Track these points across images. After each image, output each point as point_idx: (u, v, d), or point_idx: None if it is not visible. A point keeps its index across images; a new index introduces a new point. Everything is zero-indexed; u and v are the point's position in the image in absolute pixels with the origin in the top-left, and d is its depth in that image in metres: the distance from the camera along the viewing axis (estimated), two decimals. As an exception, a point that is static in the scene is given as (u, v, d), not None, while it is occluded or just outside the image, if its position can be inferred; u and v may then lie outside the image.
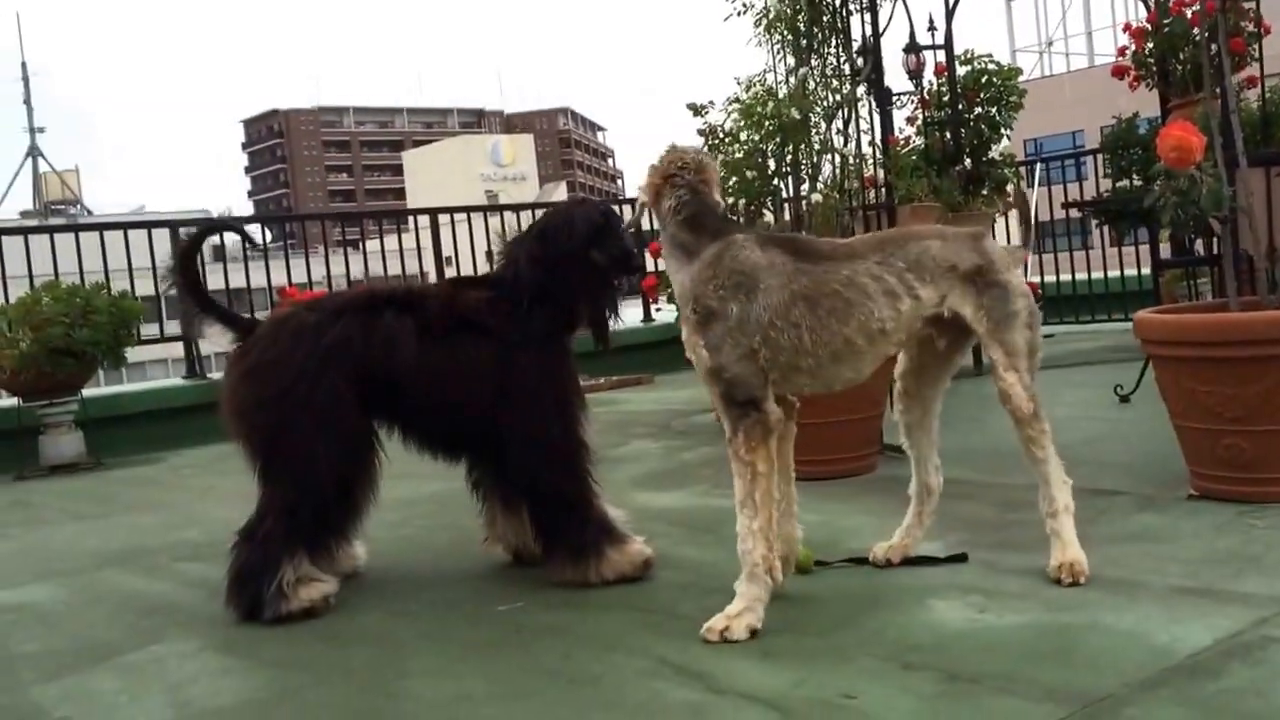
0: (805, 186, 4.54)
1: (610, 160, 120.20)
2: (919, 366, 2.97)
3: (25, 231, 8.00)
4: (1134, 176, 6.70)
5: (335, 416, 2.98)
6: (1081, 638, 2.31)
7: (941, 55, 6.68)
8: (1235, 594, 2.49)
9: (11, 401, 6.51)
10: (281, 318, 3.20)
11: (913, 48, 7.05)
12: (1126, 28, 5.90)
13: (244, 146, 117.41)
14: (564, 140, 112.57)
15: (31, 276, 6.91)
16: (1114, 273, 9.08)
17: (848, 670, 2.27)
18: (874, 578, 2.89)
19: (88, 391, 6.63)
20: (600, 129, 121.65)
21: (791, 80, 4.48)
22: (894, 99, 6.56)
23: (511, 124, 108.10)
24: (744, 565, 2.57)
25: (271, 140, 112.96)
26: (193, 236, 3.55)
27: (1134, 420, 4.82)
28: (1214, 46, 4.12)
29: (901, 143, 6.79)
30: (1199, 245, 5.90)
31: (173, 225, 8.20)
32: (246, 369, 3.08)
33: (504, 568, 3.37)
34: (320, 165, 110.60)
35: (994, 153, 6.98)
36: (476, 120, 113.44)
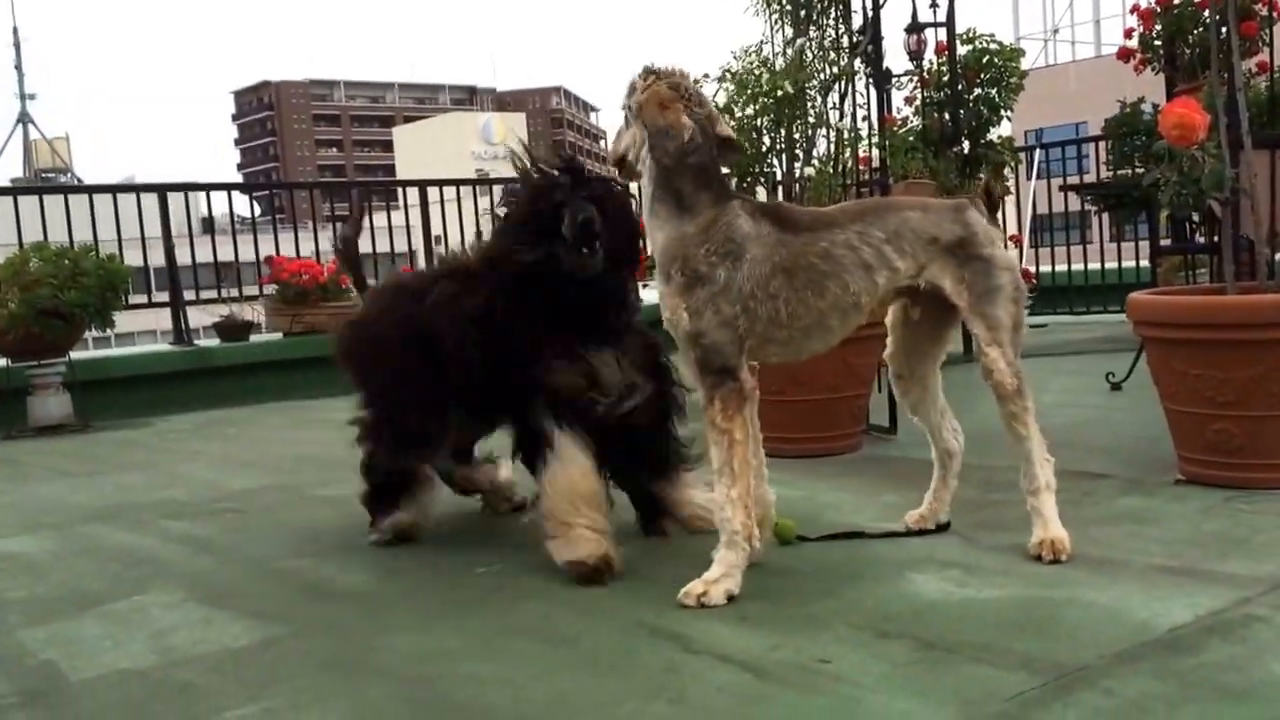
0: (800, 162, 4.48)
1: (603, 141, 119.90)
2: (908, 347, 2.94)
3: (15, 192, 7.97)
4: (1136, 163, 6.65)
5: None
6: (1060, 611, 2.29)
7: (943, 34, 6.63)
8: (1219, 574, 2.47)
9: (0, 362, 6.49)
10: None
11: (915, 27, 7.00)
12: (1135, 9, 5.84)
13: (234, 118, 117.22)
14: (556, 120, 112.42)
15: (21, 241, 6.89)
16: (1111, 264, 9.03)
17: (823, 637, 2.24)
18: (854, 551, 2.86)
19: (76, 355, 6.61)
20: (594, 109, 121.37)
21: (789, 51, 4.42)
22: (893, 79, 6.51)
23: (504, 102, 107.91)
24: (722, 533, 2.55)
25: (262, 113, 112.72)
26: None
27: (1124, 407, 4.80)
28: (1224, 29, 4.07)
29: (899, 123, 6.75)
30: (1198, 233, 5.87)
31: (161, 190, 8.19)
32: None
33: (486, 532, 3.34)
34: (310, 139, 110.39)
35: (993, 135, 6.95)
36: (468, 97, 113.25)
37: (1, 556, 3.43)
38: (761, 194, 4.89)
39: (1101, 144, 9.52)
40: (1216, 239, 4.62)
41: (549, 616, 2.50)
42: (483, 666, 2.22)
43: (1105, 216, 8.18)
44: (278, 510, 3.80)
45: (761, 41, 4.59)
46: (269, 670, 2.28)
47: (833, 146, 4.56)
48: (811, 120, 4.40)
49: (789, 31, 4.70)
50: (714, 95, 4.58)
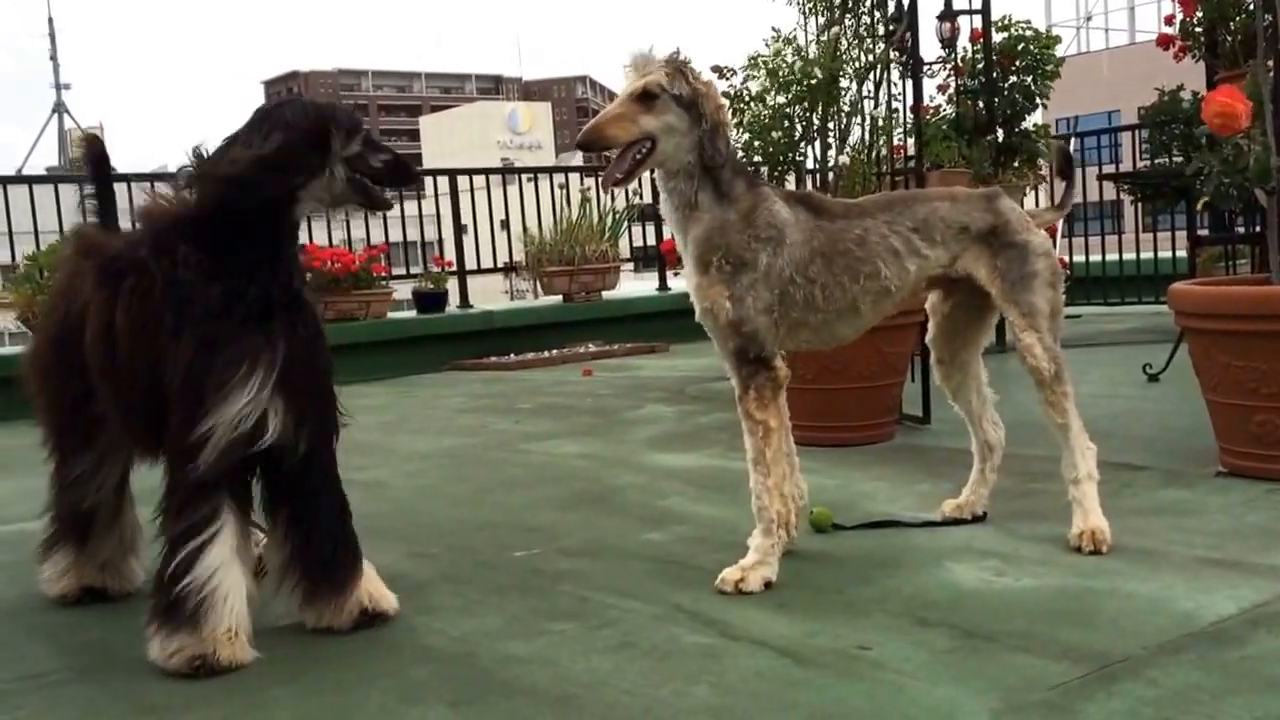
0: (833, 150, 4.46)
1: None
2: (949, 331, 2.93)
3: (56, 180, 8.05)
4: (1174, 152, 6.57)
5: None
6: (1101, 602, 2.28)
7: (977, 21, 6.58)
8: (1262, 566, 2.45)
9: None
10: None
11: (948, 14, 6.96)
12: (1178, -5, 5.76)
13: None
14: (581, 109, 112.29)
15: (61, 228, 6.96)
16: (1146, 254, 8.94)
17: (862, 624, 2.24)
18: (890, 539, 2.86)
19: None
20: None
21: (823, 39, 4.39)
22: (926, 67, 6.47)
23: (529, 91, 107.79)
24: (759, 521, 2.55)
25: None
26: None
27: (1162, 398, 4.76)
28: (1270, 16, 4.02)
29: (932, 111, 6.71)
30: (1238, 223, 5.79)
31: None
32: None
33: (519, 517, 3.35)
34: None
35: (1028, 124, 6.90)
36: (494, 87, 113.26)
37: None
38: (790, 182, 4.88)
39: (1135, 133, 9.48)
40: (1259, 229, 4.56)
41: (587, 600, 2.51)
42: (524, 647, 2.24)
43: (1138, 206, 8.10)
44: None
45: (796, 28, 4.56)
46: (311, 649, 2.31)
47: (867, 135, 4.53)
48: (846, 109, 4.37)
49: (820, 20, 4.67)
50: (744, 82, 4.57)
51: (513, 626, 2.37)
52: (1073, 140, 9.44)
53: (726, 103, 2.55)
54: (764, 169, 4.60)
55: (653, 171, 2.57)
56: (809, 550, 2.75)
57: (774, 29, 4.58)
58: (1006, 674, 1.94)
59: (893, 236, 2.62)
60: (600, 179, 2.79)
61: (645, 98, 2.43)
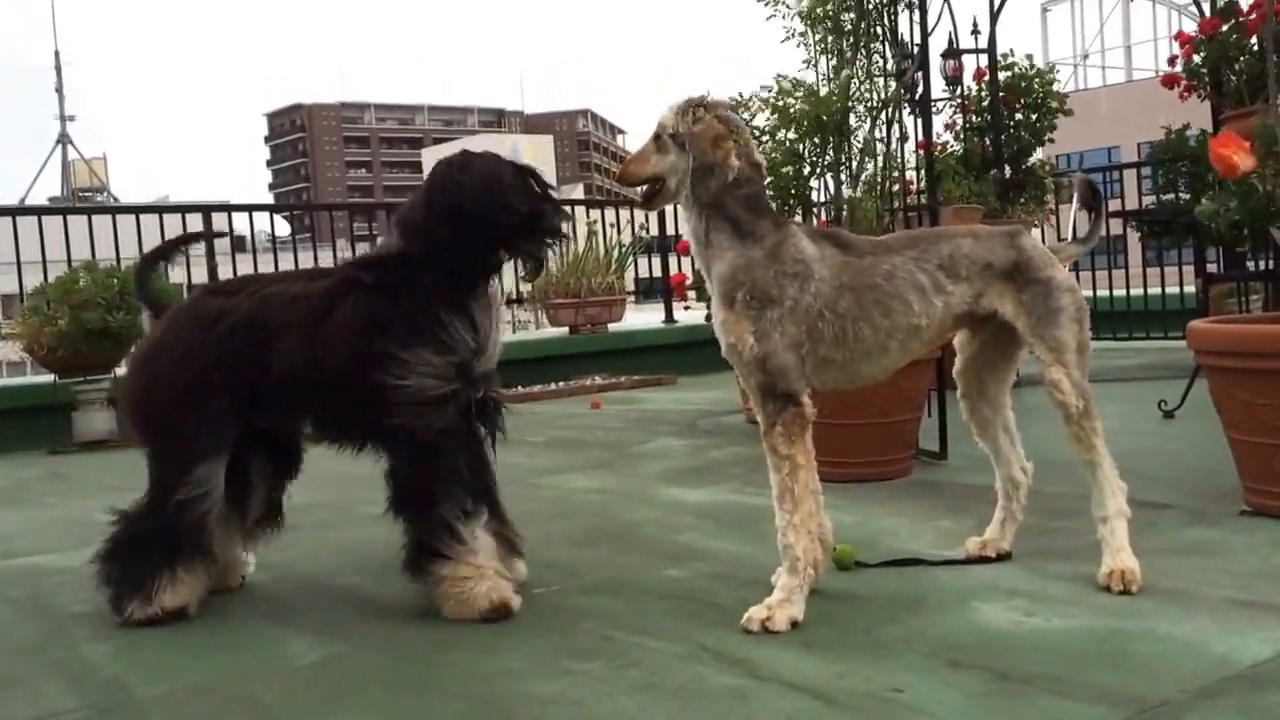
0: (845, 186, 4.47)
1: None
2: (977, 366, 2.91)
3: (65, 212, 8.06)
4: (1181, 189, 6.59)
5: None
6: (1135, 644, 2.25)
7: (981, 60, 6.62)
8: (1293, 608, 2.42)
9: (48, 377, 6.56)
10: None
11: (952, 53, 7.00)
12: (1178, 36, 5.79)
13: (266, 140, 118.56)
14: (583, 142, 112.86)
15: (70, 258, 6.96)
16: (1152, 290, 8.95)
17: (891, 665, 2.21)
18: (915, 578, 2.83)
19: (121, 370, 6.66)
20: (620, 132, 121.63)
21: (834, 79, 4.41)
22: (932, 104, 6.51)
23: (531, 125, 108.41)
24: (785, 559, 2.52)
25: (294, 134, 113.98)
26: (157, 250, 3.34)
27: (1180, 435, 4.74)
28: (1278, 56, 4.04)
29: (939, 148, 6.73)
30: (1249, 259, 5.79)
31: (205, 210, 8.28)
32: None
33: (536, 553, 3.32)
34: (340, 161, 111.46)
35: (1033, 160, 6.92)
36: (497, 120, 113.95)
37: (60, 570, 3.46)
38: (798, 218, 4.89)
39: (1138, 169, 9.52)
40: (1272, 266, 4.56)
41: (610, 638, 2.48)
42: (547, 686, 2.21)
43: (1144, 242, 8.11)
44: (328, 528, 3.80)
45: (806, 65, 4.58)
46: (336, 687, 2.28)
47: (878, 171, 4.53)
48: (859, 146, 4.38)
49: (833, 60, 4.69)
50: (753, 118, 4.58)
51: (535, 665, 2.34)
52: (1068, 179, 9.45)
53: (729, 143, 2.52)
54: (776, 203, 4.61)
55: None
56: (833, 589, 2.72)
57: (777, 76, 4.60)
58: (1044, 718, 1.92)
59: (920, 273, 2.61)
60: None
61: (657, 139, 2.58)
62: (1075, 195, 2.99)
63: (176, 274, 7.43)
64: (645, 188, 2.64)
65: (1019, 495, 2.93)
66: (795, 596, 2.48)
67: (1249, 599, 2.49)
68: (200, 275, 7.97)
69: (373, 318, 2.69)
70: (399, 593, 2.91)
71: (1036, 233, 7.45)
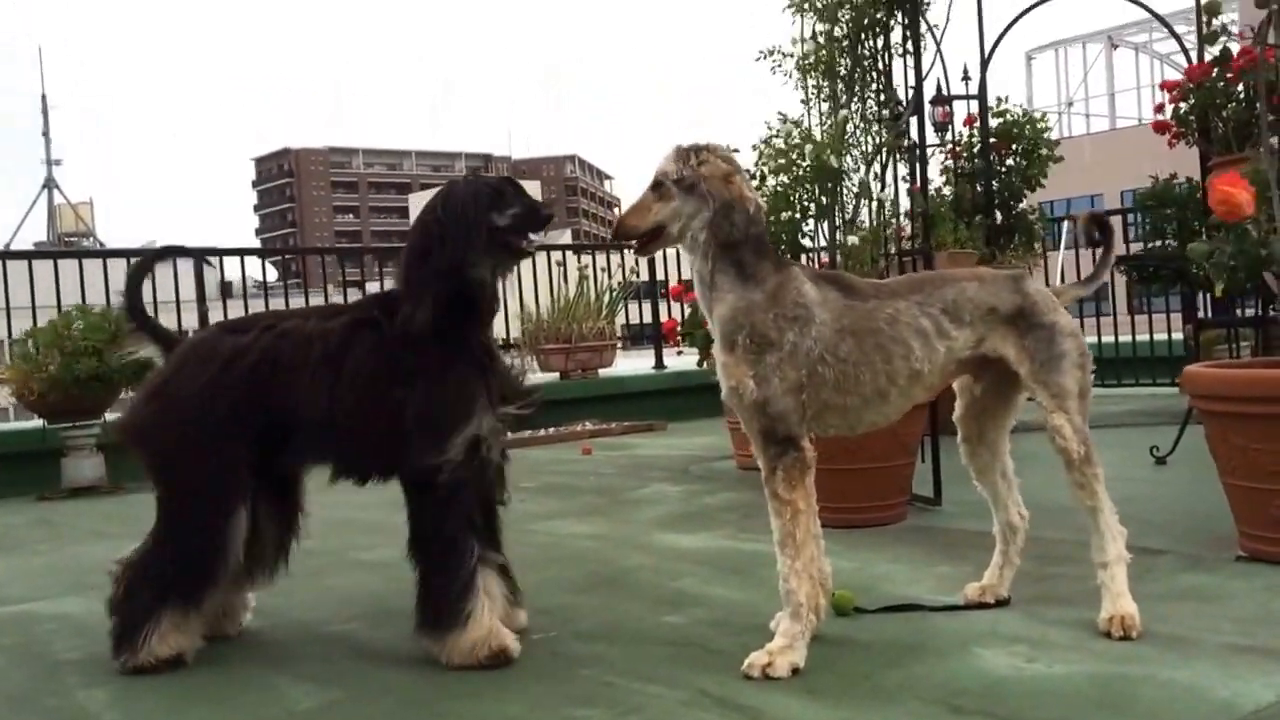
0: (840, 230, 4.50)
1: (616, 209, 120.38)
2: (976, 410, 2.92)
3: (55, 256, 8.05)
4: (1169, 236, 6.65)
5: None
6: (1137, 689, 2.24)
7: (972, 106, 6.69)
8: (1294, 653, 2.42)
9: (37, 423, 6.52)
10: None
11: (940, 100, 7.08)
12: (1166, 84, 5.87)
13: (254, 184, 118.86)
14: (570, 188, 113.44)
15: (60, 303, 6.93)
16: (1140, 336, 9.01)
17: (894, 711, 2.20)
18: (914, 623, 2.82)
19: (110, 415, 6.62)
20: (607, 177, 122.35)
21: (830, 123, 4.46)
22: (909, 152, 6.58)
23: (519, 170, 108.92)
24: (787, 604, 2.51)
25: (281, 179, 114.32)
26: (141, 262, 3.29)
27: (1173, 481, 4.75)
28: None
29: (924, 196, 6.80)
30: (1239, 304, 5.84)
31: (197, 255, 8.27)
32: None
33: (532, 599, 3.30)
34: (328, 205, 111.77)
35: (1023, 205, 6.98)
36: (484, 165, 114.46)
37: (52, 618, 3.43)
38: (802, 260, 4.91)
39: (1123, 216, 9.60)
40: (1262, 312, 4.58)
41: (611, 685, 2.47)
42: (549, 736, 2.19)
43: (1131, 288, 8.18)
44: (322, 574, 3.77)
45: (804, 111, 4.62)
46: (332, 737, 2.25)
47: (873, 216, 4.57)
48: (855, 190, 4.42)
49: (825, 106, 4.74)
50: (755, 163, 4.62)
51: (536, 712, 2.32)
52: (1065, 224, 9.54)
53: (739, 179, 2.54)
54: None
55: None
56: (833, 634, 2.71)
57: (768, 122, 4.65)
58: (1050, 764, 1.91)
59: (923, 317, 2.62)
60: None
61: (656, 186, 2.56)
62: (1080, 233, 2.98)
63: (167, 318, 7.42)
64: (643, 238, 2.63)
65: (1016, 540, 2.93)
66: (797, 643, 2.47)
67: (1250, 644, 2.49)
68: (191, 320, 7.96)
69: (387, 358, 2.70)
70: (395, 639, 2.90)
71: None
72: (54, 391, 6.15)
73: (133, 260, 3.18)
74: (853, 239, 4.40)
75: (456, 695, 2.45)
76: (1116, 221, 9.70)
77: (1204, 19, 5.05)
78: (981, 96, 6.54)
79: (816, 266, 4.91)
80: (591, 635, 2.89)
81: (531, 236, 2.77)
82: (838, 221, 4.45)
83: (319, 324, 2.82)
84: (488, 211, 2.70)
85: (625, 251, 10.16)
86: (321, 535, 4.57)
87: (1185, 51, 6.30)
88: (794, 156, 4.41)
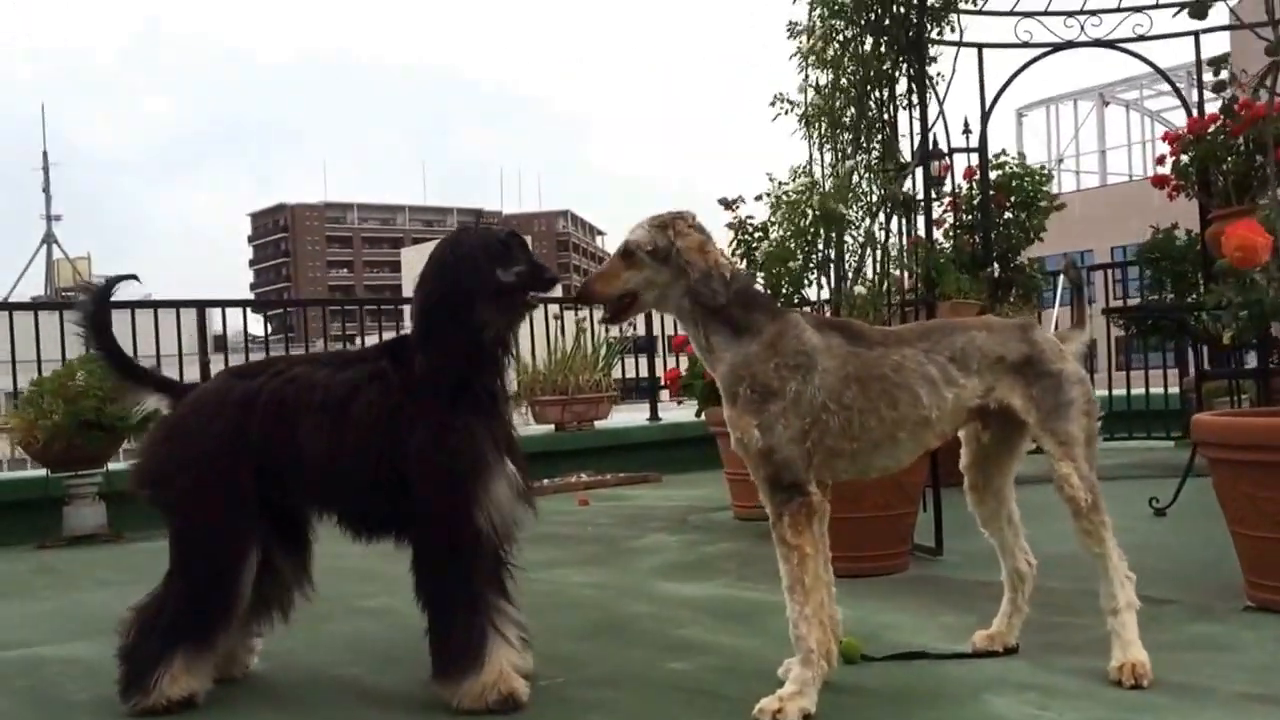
0: (848, 281, 4.53)
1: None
2: (983, 458, 2.92)
3: (61, 307, 8.04)
4: (1168, 289, 6.70)
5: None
6: (1151, 737, 2.23)
7: (972, 159, 6.75)
8: (1308, 702, 2.41)
9: (40, 472, 6.51)
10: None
11: (937, 154, 7.14)
12: (1166, 136, 5.93)
13: (250, 240, 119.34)
14: (562, 243, 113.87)
15: (64, 355, 6.94)
16: (1123, 390, 9.03)
17: (908, 759, 2.18)
18: (922, 671, 2.81)
19: (112, 465, 6.60)
20: (600, 233, 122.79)
21: (838, 171, 4.50)
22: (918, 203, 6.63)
23: (511, 225, 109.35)
24: (798, 650, 2.50)
25: (277, 234, 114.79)
26: (98, 293, 3.11)
27: (1174, 532, 4.75)
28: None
29: (928, 246, 6.84)
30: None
31: (200, 305, 8.30)
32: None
33: (536, 646, 3.27)
34: (323, 260, 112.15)
35: (1021, 258, 7.02)
36: (476, 220, 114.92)
37: (61, 661, 3.41)
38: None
39: (1108, 271, 9.68)
40: (1268, 363, 4.59)
41: (619, 732, 2.45)
42: (564, 782, 2.17)
43: (1112, 343, 8.22)
44: (326, 620, 3.74)
45: (807, 164, 4.67)
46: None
47: (877, 267, 4.60)
48: (862, 239, 4.45)
49: (826, 156, 4.79)
50: (771, 213, 4.65)
51: (545, 759, 2.30)
52: (1060, 277, 9.58)
53: (713, 247, 2.59)
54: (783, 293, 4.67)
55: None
56: (841, 682, 2.70)
57: (770, 174, 4.70)
58: (1068, 811, 1.89)
59: (930, 365, 2.63)
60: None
61: (626, 255, 2.60)
62: (1065, 279, 3.02)
63: (169, 370, 7.42)
64: (613, 304, 2.64)
65: (1025, 588, 2.92)
66: (808, 689, 2.46)
67: (1263, 693, 2.49)
68: (193, 374, 7.96)
69: (391, 407, 2.70)
70: (401, 684, 2.89)
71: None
72: (58, 440, 6.15)
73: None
74: (859, 289, 4.42)
75: (464, 741, 2.43)
76: (1104, 276, 9.80)
77: (1214, 69, 5.11)
78: (982, 149, 6.60)
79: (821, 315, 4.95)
80: (599, 681, 2.87)
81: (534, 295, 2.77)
82: (845, 271, 4.47)
83: (327, 371, 2.83)
84: (494, 265, 2.70)
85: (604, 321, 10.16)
86: (323, 583, 4.56)
87: (1186, 105, 6.36)
88: (802, 204, 4.44)
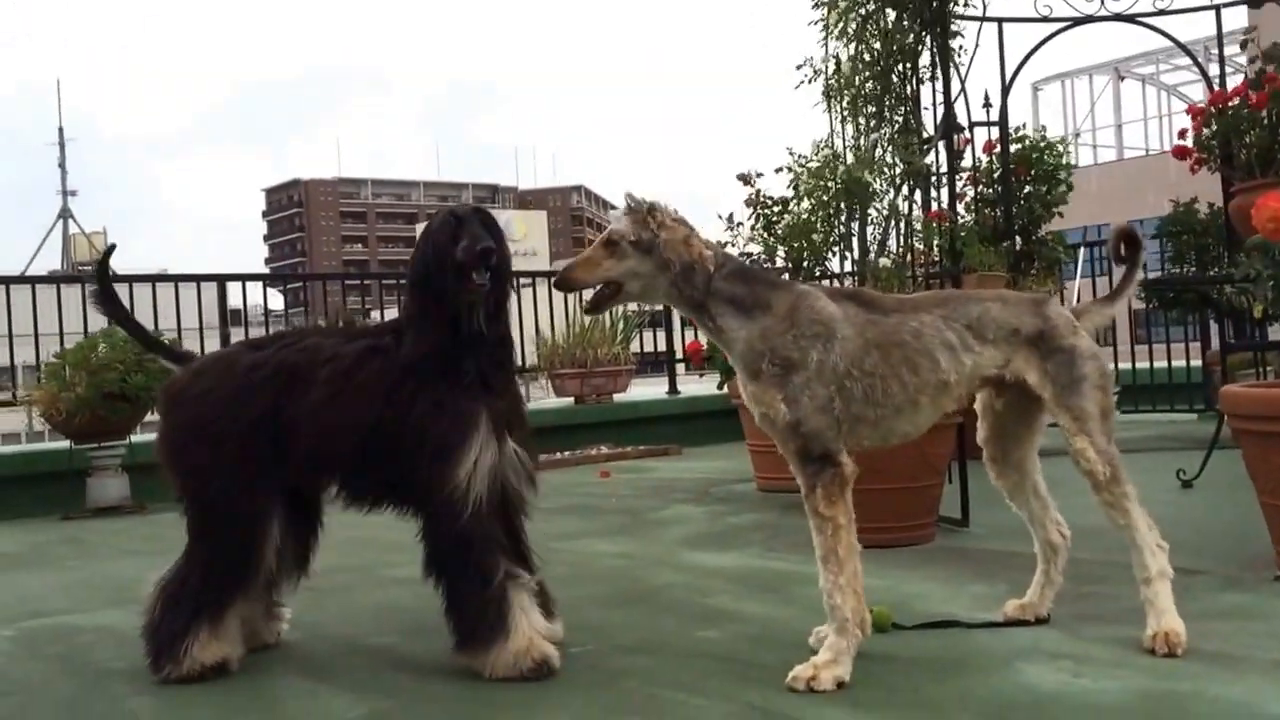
0: (872, 254, 4.52)
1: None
2: (1000, 431, 2.92)
3: (82, 280, 8.08)
4: (1189, 261, 6.67)
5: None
6: (1188, 705, 2.24)
7: (991, 133, 6.72)
8: (1342, 669, 2.41)
9: (64, 444, 6.55)
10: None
11: (957, 127, 7.11)
12: (1190, 110, 5.90)
13: (264, 215, 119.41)
14: (576, 218, 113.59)
15: (86, 329, 6.98)
16: (1146, 365, 9.02)
17: (944, 725, 2.19)
18: (954, 640, 2.82)
19: (135, 437, 6.64)
20: (613, 207, 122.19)
21: (862, 143, 4.49)
22: (936, 176, 6.60)
23: (525, 200, 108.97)
24: (832, 620, 2.51)
25: (291, 210, 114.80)
26: (97, 267, 3.21)
27: (1202, 504, 4.75)
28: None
29: (949, 219, 6.82)
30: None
31: (220, 280, 8.34)
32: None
33: (566, 615, 3.30)
34: (336, 235, 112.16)
35: (1043, 231, 7.00)
36: (490, 196, 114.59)
37: (92, 629, 3.44)
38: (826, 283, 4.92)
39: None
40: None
41: (654, 697, 2.47)
42: (600, 747, 2.19)
43: (1130, 316, 8.20)
44: (352, 590, 3.78)
45: (832, 135, 4.66)
46: (381, 747, 2.25)
47: (902, 239, 4.59)
48: (886, 212, 4.44)
49: (848, 128, 4.77)
50: (792, 182, 4.64)
51: (585, 723, 2.32)
52: (1081, 249, 9.55)
53: (696, 240, 2.58)
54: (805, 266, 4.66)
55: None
56: (874, 650, 2.70)
57: (790, 148, 4.68)
58: (1108, 776, 1.90)
59: (948, 331, 2.63)
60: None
61: (609, 244, 2.59)
62: (1110, 246, 2.92)
63: (190, 344, 7.46)
64: (595, 292, 2.65)
65: (1058, 559, 2.92)
66: (843, 657, 2.47)
67: (1298, 661, 2.48)
68: (213, 346, 8.00)
69: (389, 382, 2.72)
70: (434, 652, 2.89)
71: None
72: (81, 412, 6.18)
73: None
74: (884, 261, 4.41)
75: (502, 706, 2.46)
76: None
77: (1242, 43, 5.08)
78: (1003, 122, 6.56)
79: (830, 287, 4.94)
80: (631, 649, 2.89)
81: (479, 275, 2.69)
82: (868, 243, 4.46)
83: (335, 343, 2.86)
84: (451, 244, 2.70)
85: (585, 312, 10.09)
86: (346, 553, 4.59)
87: (1206, 79, 6.32)
88: (826, 175, 4.43)
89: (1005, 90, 6.43)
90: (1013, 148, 6.81)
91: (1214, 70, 6.57)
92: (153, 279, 7.86)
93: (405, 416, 2.68)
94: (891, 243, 4.56)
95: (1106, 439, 2.67)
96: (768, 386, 2.54)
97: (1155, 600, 2.62)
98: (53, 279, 8.72)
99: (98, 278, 3.13)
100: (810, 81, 4.74)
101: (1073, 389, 2.65)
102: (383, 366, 2.75)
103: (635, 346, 10.64)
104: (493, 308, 2.76)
